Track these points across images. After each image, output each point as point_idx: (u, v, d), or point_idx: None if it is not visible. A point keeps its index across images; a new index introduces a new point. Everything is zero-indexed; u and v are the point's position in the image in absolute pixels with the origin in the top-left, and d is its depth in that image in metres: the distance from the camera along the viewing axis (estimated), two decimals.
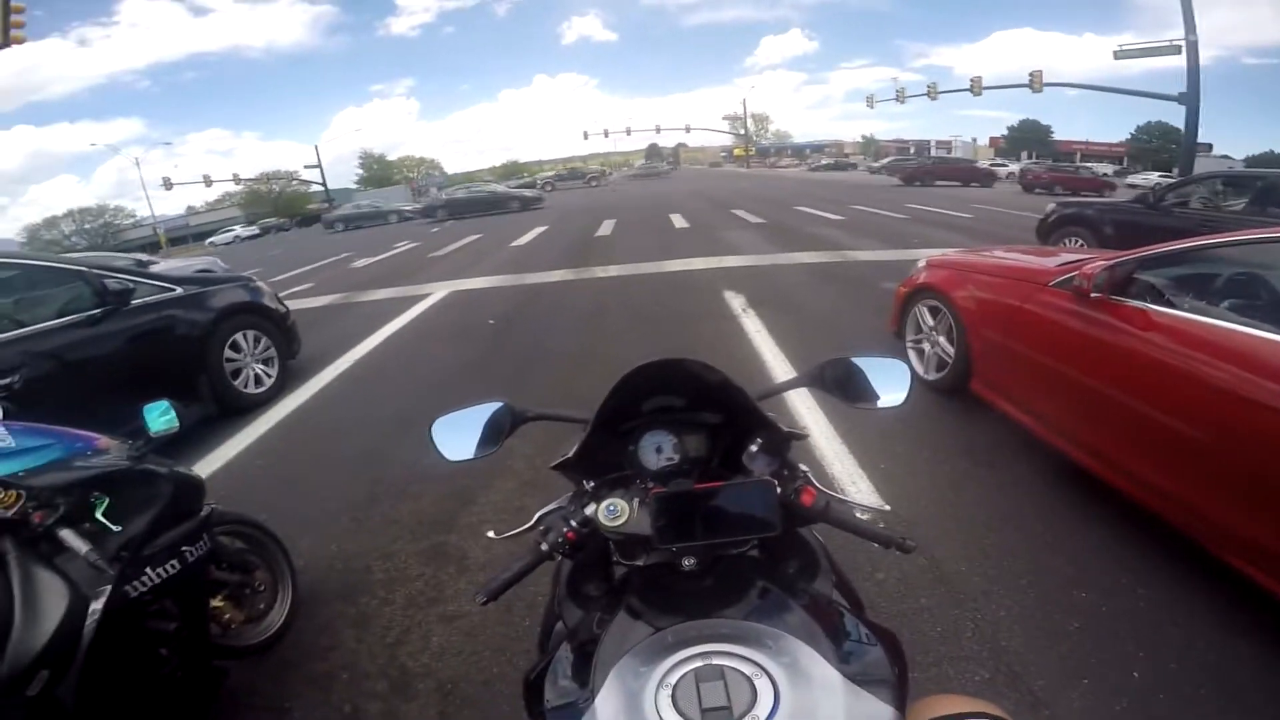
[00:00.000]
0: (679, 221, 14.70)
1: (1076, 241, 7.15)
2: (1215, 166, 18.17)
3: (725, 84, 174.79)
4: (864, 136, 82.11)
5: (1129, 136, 57.28)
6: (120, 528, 1.46)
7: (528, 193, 30.35)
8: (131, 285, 3.73)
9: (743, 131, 68.15)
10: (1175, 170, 21.55)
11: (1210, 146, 38.13)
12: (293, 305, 5.54)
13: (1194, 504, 2.03)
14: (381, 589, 2.34)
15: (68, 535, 1.35)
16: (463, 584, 2.31)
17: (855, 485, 2.75)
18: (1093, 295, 2.44)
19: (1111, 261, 2.46)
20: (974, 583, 2.14)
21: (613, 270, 8.69)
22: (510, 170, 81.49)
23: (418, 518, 2.76)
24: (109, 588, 1.37)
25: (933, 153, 62.82)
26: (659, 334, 5.43)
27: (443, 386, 4.49)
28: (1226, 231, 2.39)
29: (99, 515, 1.45)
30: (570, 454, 0.98)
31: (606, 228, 14.75)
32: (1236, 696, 1.66)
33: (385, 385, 4.72)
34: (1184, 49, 20.14)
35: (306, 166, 54.12)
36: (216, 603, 1.87)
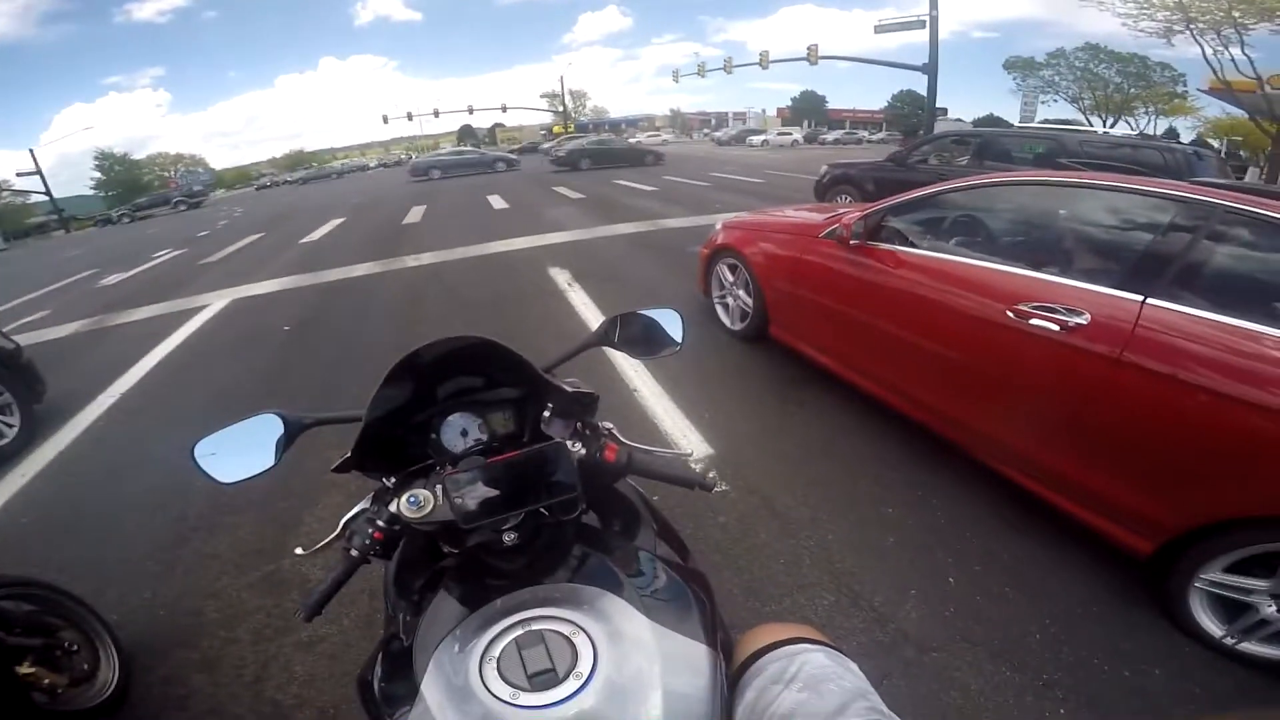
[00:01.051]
0: (498, 203, 14.27)
1: (846, 198, 8.17)
2: (950, 128, 21.50)
3: (544, 61, 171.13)
4: (671, 110, 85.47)
5: (887, 104, 65.42)
6: None
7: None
8: None
9: (561, 109, 67.12)
10: (920, 132, 24.93)
11: (946, 111, 45.09)
12: (26, 339, 4.62)
13: (955, 417, 2.42)
14: (221, 629, 2.13)
15: None
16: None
17: (686, 437, 2.97)
18: (852, 242, 2.85)
19: (865, 212, 2.88)
20: (801, 513, 2.36)
21: (426, 258, 8.22)
22: (296, 160, 72.91)
23: (239, 550, 2.50)
24: None
25: (730, 123, 67.03)
26: (484, 317, 5.29)
27: (235, 407, 3.83)
28: (951, 180, 2.85)
29: None
30: (348, 454, 0.94)
31: (415, 214, 13.89)
32: (1036, 591, 1.94)
33: (167, 414, 4.07)
34: (927, 23, 23.05)
35: (20, 174, 43.82)
36: (26, 669, 1.67)
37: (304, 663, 1.96)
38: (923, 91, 25.45)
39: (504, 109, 60.00)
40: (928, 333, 2.46)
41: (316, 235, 12.54)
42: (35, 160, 42.28)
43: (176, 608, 2.25)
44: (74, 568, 2.40)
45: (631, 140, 37.03)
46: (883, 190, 6.98)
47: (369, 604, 2.06)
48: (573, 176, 18.91)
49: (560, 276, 6.31)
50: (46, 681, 1.70)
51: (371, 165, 59.41)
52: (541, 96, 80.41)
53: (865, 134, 50.88)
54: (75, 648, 1.85)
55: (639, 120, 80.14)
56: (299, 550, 0.99)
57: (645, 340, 1.15)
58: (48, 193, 41.71)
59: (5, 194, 46.68)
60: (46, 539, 2.77)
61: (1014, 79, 41.73)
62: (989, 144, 7.03)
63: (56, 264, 15.80)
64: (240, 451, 0.96)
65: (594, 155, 23.76)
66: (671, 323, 1.16)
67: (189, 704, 1.88)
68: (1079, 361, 1.89)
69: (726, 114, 77.39)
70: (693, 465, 2.69)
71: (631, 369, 3.62)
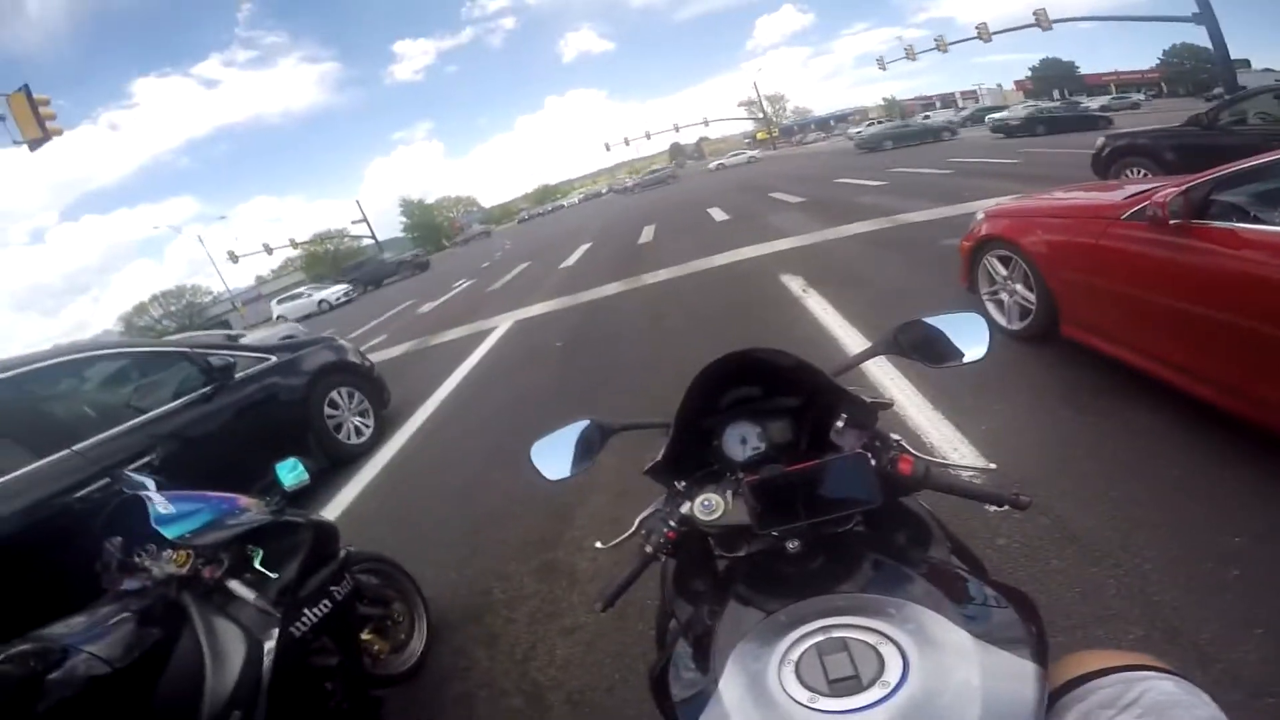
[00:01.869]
0: (718, 215, 14.59)
1: (1140, 172, 6.77)
2: (1262, 81, 16.81)
3: (734, 70, 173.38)
4: (885, 99, 79.30)
5: (1159, 61, 53.27)
6: (277, 574, 1.60)
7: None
8: (233, 360, 4.02)
9: (761, 114, 66.90)
10: (1219, 89, 19.98)
11: (1248, 62, 34.86)
12: (373, 357, 5.86)
13: None
14: (504, 608, 2.45)
15: (236, 585, 1.51)
16: (575, 597, 2.40)
17: (958, 451, 2.67)
18: (1172, 222, 2.33)
19: (1185, 185, 2.36)
20: (1108, 537, 2.01)
21: (662, 274, 8.72)
22: (544, 194, 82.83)
23: (524, 539, 2.87)
24: (277, 630, 1.50)
25: (959, 103, 59.86)
26: (720, 329, 5.42)
27: (525, 411, 4.65)
28: None
29: (257, 565, 1.59)
30: (659, 458, 1.01)
31: (648, 234, 14.82)
32: None
33: (474, 419, 4.93)
34: None
35: (354, 221, 56.70)
36: (365, 636, 2.01)
37: (564, 647, 2.17)
38: (1199, 43, 20.43)
39: (706, 123, 61.29)
40: None
41: (571, 260, 14.13)
42: (361, 210, 54.19)
43: (473, 587, 2.64)
44: (404, 547, 2.90)
45: (923, 119, 35.75)
46: (1186, 160, 5.74)
47: (624, 598, 2.20)
48: (791, 183, 18.48)
49: (793, 284, 6.17)
50: (375, 648, 2.03)
51: (604, 192, 64.46)
52: (739, 105, 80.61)
53: (1139, 96, 41.03)
54: (401, 619, 2.21)
55: (850, 114, 75.37)
56: (599, 544, 1.09)
57: (934, 349, 1.09)
58: (374, 236, 53.08)
59: (346, 239, 60.56)
60: (386, 523, 3.47)
61: None
62: None
63: (385, 295, 20.06)
64: (560, 453, 1.14)
65: (894, 137, 27.82)
66: (971, 328, 1.10)
67: (469, 675, 2.18)
68: None
69: (953, 94, 68.65)
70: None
71: (886, 378, 3.39)
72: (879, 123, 31.49)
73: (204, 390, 3.80)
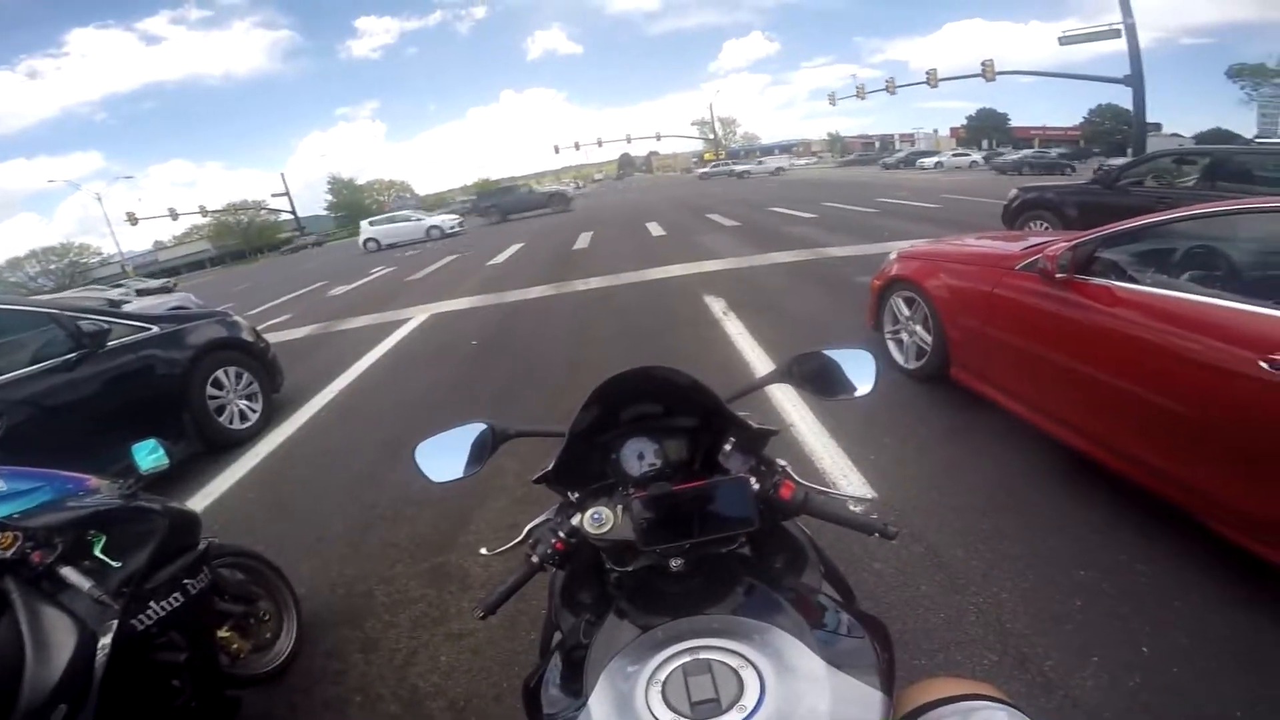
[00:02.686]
0: (656, 230, 14.80)
1: (1042, 225, 7.32)
2: (1167, 144, 18.74)
3: (693, 89, 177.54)
4: (829, 134, 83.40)
5: (1083, 119, 58.77)
6: (120, 564, 1.48)
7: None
8: (106, 326, 3.69)
9: (711, 136, 68.67)
10: (1129, 151, 22.26)
11: (1159, 126, 39.41)
12: (271, 338, 5.50)
13: (1180, 476, 2.07)
14: (386, 612, 2.35)
15: (69, 573, 1.38)
16: (466, 602, 2.32)
17: (846, 478, 2.79)
18: (1058, 276, 2.52)
19: (1074, 242, 2.54)
20: (973, 567, 2.15)
21: (594, 282, 8.72)
22: (483, 187, 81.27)
23: (415, 540, 2.76)
24: (115, 621, 1.39)
25: (896, 145, 63.88)
26: (643, 342, 5.48)
27: (431, 409, 4.47)
28: (1181, 207, 2.47)
29: (97, 552, 1.47)
30: (549, 467, 1.01)
31: (584, 240, 14.81)
32: (1251, 669, 1.66)
33: (373, 412, 4.70)
34: (1123, 32, 20.91)
35: (274, 195, 53.77)
36: (223, 633, 1.89)
37: (449, 653, 2.10)
38: (1123, 104, 22.90)
39: (658, 138, 62.66)
40: (1151, 381, 2.12)
41: (500, 259, 13.87)
42: (285, 183, 51.48)
43: (353, 588, 2.51)
44: (280, 541, 2.75)
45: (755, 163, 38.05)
46: (1087, 216, 6.18)
47: (514, 607, 2.15)
48: (726, 206, 19.03)
49: (715, 305, 6.32)
50: (234, 646, 1.90)
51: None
52: (693, 124, 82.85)
53: (1056, 152, 45.32)
54: (267, 617, 2.09)
55: (794, 145, 78.84)
56: (484, 550, 1.08)
57: (827, 381, 1.13)
58: (294, 212, 50.48)
59: (263, 212, 57.24)
60: (264, 516, 3.25)
61: (1242, 88, 35.56)
62: (1222, 162, 5.95)
63: (296, 276, 18.99)
64: (451, 455, 1.11)
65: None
66: (860, 364, 1.13)
67: (342, 679, 2.07)
68: None
69: (892, 136, 73.49)
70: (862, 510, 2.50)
71: (789, 402, 3.50)
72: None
73: (68, 357, 3.45)
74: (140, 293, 19.43)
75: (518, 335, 6.46)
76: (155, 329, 4.06)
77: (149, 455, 1.79)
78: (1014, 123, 64.75)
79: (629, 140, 61.10)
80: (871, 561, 2.20)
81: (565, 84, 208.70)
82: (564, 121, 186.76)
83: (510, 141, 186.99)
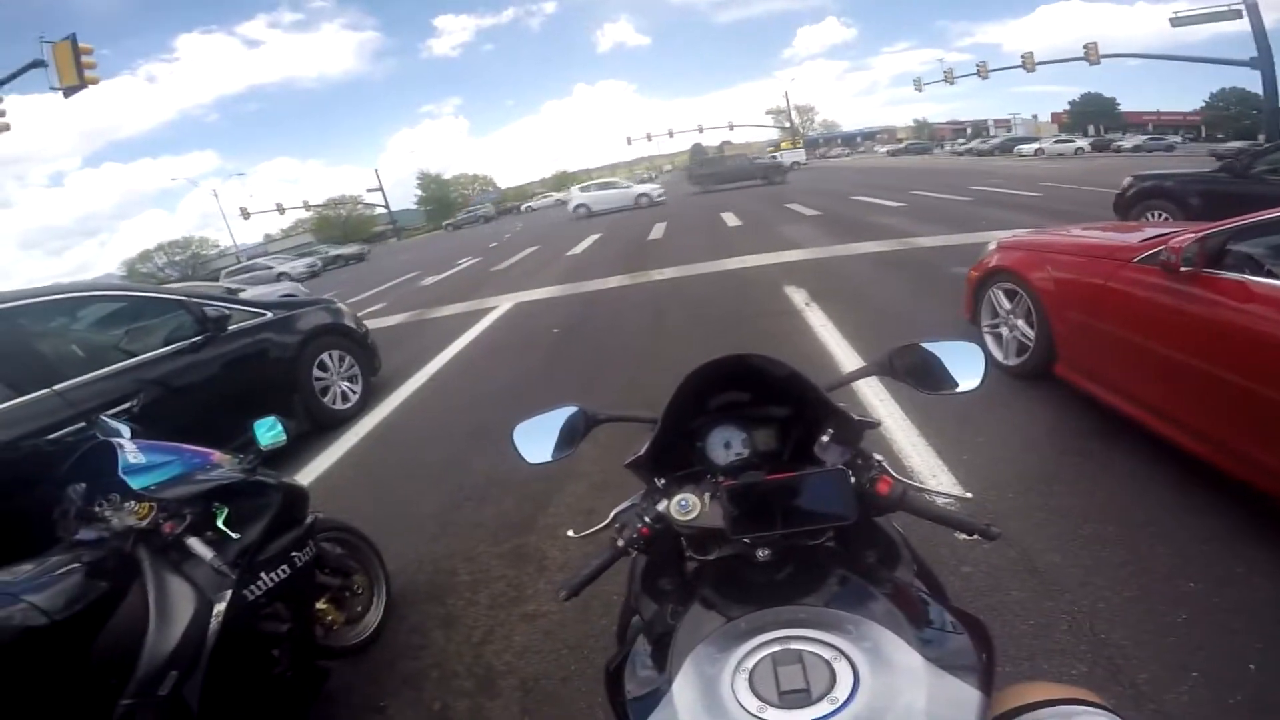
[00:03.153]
0: (731, 220, 14.57)
1: (1161, 215, 6.68)
2: None
3: (767, 77, 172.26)
4: (916, 120, 79.26)
5: (1204, 104, 53.21)
6: (238, 535, 1.57)
7: None
8: (228, 312, 4.00)
9: (787, 124, 66.76)
10: (1261, 137, 20.06)
11: None
12: (369, 324, 5.82)
13: None
14: (467, 590, 2.43)
15: (194, 543, 1.47)
16: (542, 584, 2.38)
17: (936, 478, 2.67)
18: (1183, 269, 2.30)
19: (1202, 233, 2.31)
20: (1069, 574, 2.03)
21: (668, 272, 8.73)
22: (561, 180, 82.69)
23: (498, 521, 2.86)
24: (230, 592, 1.47)
25: (991, 131, 59.93)
26: (720, 332, 5.44)
27: (515, 394, 4.63)
28: None
29: (220, 524, 1.56)
30: (641, 452, 1.00)
31: (658, 231, 14.82)
32: None
33: (462, 396, 4.91)
34: (1245, 12, 18.81)
35: (369, 190, 56.85)
36: (320, 605, 1.97)
37: (523, 633, 2.16)
38: (1252, 88, 20.51)
39: (731, 127, 61.02)
40: None
41: (578, 249, 14.11)
42: (379, 179, 54.22)
43: (439, 566, 2.62)
44: (375, 518, 2.88)
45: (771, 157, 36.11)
46: (1213, 207, 5.60)
47: (587, 591, 2.18)
48: (808, 196, 18.48)
49: (796, 296, 6.17)
50: (329, 618, 1.99)
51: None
52: (767, 113, 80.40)
53: (1175, 139, 41.08)
54: (360, 591, 2.18)
55: (878, 132, 75.24)
56: (570, 533, 1.09)
57: (930, 375, 1.08)
58: (387, 206, 53.14)
59: (359, 206, 60.64)
60: (361, 493, 3.45)
61: None
62: None
63: (390, 267, 20.03)
64: (544, 437, 1.14)
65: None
66: (967, 358, 1.09)
67: (422, 654, 2.16)
68: None
69: (986, 122, 68.75)
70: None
71: (876, 398, 3.39)
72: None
73: (194, 339, 3.77)
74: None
75: (596, 324, 6.56)
76: (269, 315, 4.38)
77: (269, 432, 1.89)
78: (1124, 107, 59.39)
79: (701, 130, 59.94)
80: (960, 565, 2.10)
81: (635, 76, 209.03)
82: (636, 113, 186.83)
83: (584, 134, 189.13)
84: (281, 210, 51.81)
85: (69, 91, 13.57)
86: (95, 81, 13.74)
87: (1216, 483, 2.22)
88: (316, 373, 4.50)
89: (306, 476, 3.68)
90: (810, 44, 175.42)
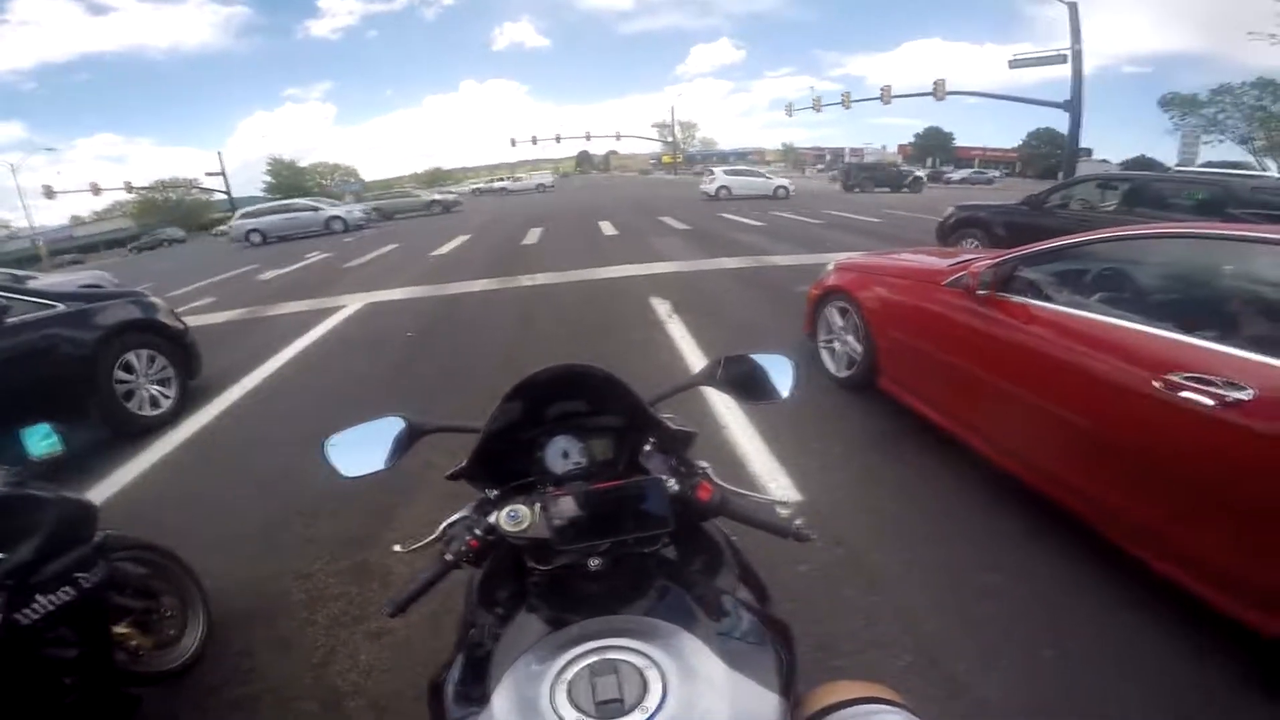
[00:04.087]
0: (608, 229, 14.76)
1: (972, 242, 7.68)
2: (1095, 169, 19.82)
3: (657, 91, 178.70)
4: (784, 144, 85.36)
5: (1021, 142, 61.86)
6: (3, 555, 1.41)
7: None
8: (5, 303, 3.44)
9: (671, 139, 69.17)
10: (1059, 175, 23.58)
11: (1090, 151, 42.10)
12: (193, 321, 5.21)
13: (1081, 487, 2.19)
14: (302, 610, 2.26)
15: None
16: (387, 601, 2.25)
17: (775, 481, 2.85)
18: (980, 292, 2.64)
19: (995, 260, 2.66)
20: (890, 570, 2.23)
21: (540, 278, 8.63)
22: (434, 177, 79.29)
23: (335, 537, 2.66)
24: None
25: (847, 159, 66.00)
26: (586, 340, 5.47)
27: (358, 403, 4.31)
28: (1097, 230, 2.61)
29: None
30: (463, 464, 1.00)
31: (533, 236, 14.65)
32: (1150, 671, 1.77)
33: (297, 403, 4.49)
34: (1069, 58, 21.83)
35: (208, 174, 50.97)
36: (121, 630, 1.80)
37: (369, 652, 2.04)
38: (1062, 129, 23.96)
39: (618, 137, 62.65)
40: (1058, 397, 2.24)
41: (445, 249, 13.53)
42: (221, 162, 48.99)
43: (268, 586, 2.40)
44: (190, 535, 2.58)
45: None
46: (1015, 236, 6.52)
47: (439, 604, 2.10)
48: (681, 209, 19.24)
49: (661, 306, 6.37)
50: (134, 643, 1.82)
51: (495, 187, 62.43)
52: (653, 126, 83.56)
53: (995, 173, 47.81)
54: (170, 614, 1.99)
55: (749, 153, 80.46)
56: (397, 548, 1.05)
57: (751, 385, 1.15)
58: (227, 193, 47.94)
59: (195, 191, 54.32)
60: (174, 505, 3.07)
61: (1171, 117, 38.12)
62: (1141, 189, 6.41)
63: (227, 257, 18.03)
64: (364, 449, 1.08)
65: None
66: (782, 370, 1.16)
67: (252, 678, 1.99)
68: (1237, 442, 1.65)
69: (843, 149, 75.97)
70: (783, 513, 2.57)
71: (723, 405, 3.56)
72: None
73: None
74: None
75: (456, 329, 6.31)
76: (61, 306, 3.79)
77: (41, 440, 1.71)
78: (959, 142, 67.87)
79: (588, 138, 60.66)
80: (797, 564, 2.24)
81: (529, 77, 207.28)
82: (524, 115, 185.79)
83: (466, 132, 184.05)
84: (97, 191, 45.06)
85: None
86: None
87: (1012, 485, 2.53)
88: (120, 374, 3.94)
89: (107, 489, 3.22)
90: (702, 62, 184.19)
